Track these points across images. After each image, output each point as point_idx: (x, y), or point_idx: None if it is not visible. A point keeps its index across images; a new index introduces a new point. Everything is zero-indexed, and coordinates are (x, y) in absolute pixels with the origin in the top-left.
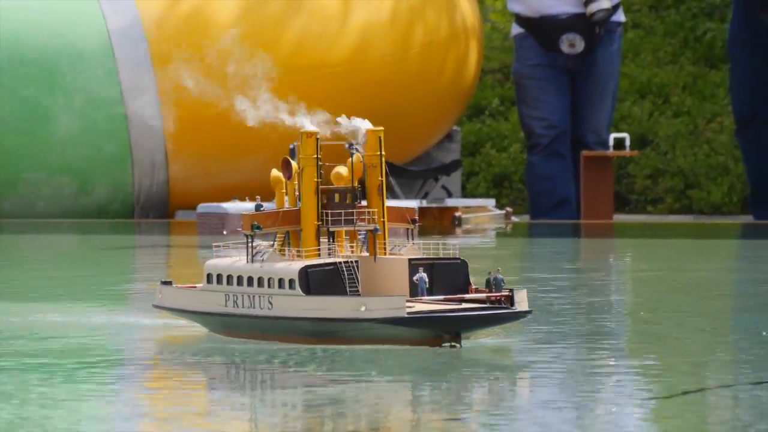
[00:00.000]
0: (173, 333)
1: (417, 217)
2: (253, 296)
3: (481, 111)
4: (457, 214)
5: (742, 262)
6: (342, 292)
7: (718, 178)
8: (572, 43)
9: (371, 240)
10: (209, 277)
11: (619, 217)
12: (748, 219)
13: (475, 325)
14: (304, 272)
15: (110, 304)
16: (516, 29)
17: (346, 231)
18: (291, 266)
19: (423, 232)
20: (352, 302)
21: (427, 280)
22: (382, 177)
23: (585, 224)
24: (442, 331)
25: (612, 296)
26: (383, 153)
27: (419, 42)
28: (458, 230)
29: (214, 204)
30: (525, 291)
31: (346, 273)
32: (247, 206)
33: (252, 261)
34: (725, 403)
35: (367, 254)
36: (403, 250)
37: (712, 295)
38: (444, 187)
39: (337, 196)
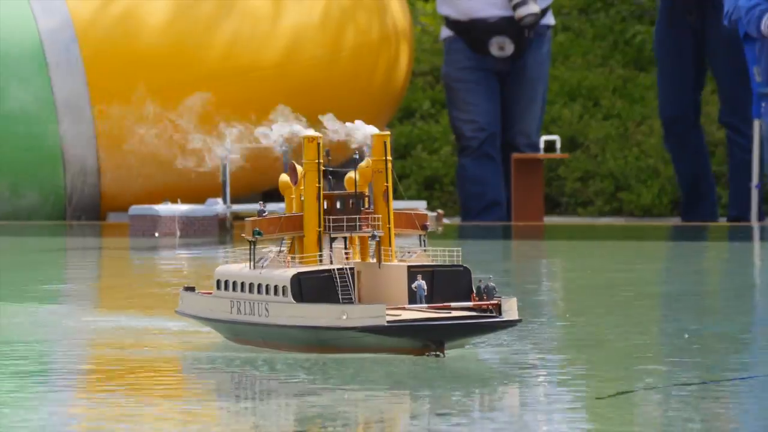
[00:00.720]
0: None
1: (429, 224)
2: (253, 303)
3: (411, 113)
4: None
5: (671, 262)
6: (335, 300)
7: (648, 180)
8: (502, 47)
9: (376, 246)
10: (218, 283)
11: (550, 219)
12: (678, 221)
13: (458, 335)
14: (296, 279)
15: (40, 303)
16: (445, 32)
17: (358, 238)
18: (285, 273)
19: None
20: (334, 310)
21: (425, 287)
22: (387, 182)
23: (516, 226)
24: (425, 340)
25: (541, 297)
26: (389, 158)
27: (350, 44)
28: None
29: (146, 206)
30: (514, 299)
31: (339, 280)
32: (179, 208)
33: (254, 267)
34: (651, 405)
35: (373, 261)
36: (413, 257)
37: (640, 296)
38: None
39: (340, 201)
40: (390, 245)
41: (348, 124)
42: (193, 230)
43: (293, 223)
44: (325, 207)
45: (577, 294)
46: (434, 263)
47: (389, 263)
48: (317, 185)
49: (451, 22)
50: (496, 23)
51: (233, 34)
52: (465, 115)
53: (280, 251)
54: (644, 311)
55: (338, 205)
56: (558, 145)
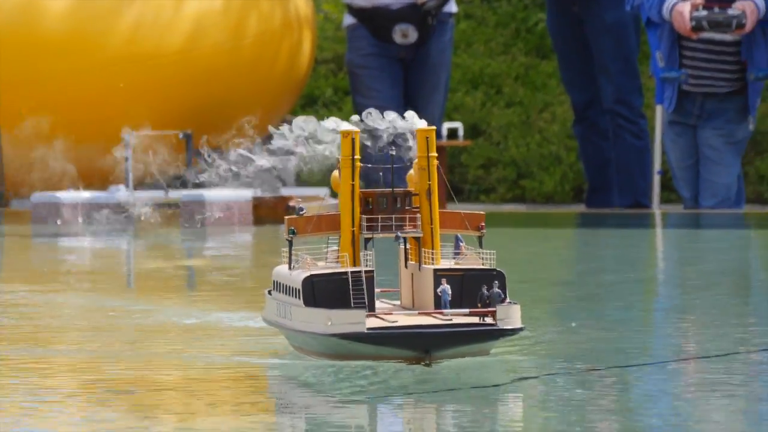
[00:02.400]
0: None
1: (484, 224)
2: (284, 305)
3: (314, 101)
4: (292, 203)
5: (574, 250)
6: (346, 304)
7: (551, 167)
8: (405, 34)
9: (414, 248)
10: (273, 284)
11: (453, 207)
12: (580, 208)
13: (442, 344)
14: (309, 282)
15: None
16: (348, 20)
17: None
18: (301, 275)
19: (258, 222)
20: (322, 316)
21: (450, 292)
22: (430, 180)
23: None
24: (410, 349)
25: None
26: (432, 154)
27: (253, 31)
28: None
29: (49, 193)
30: (517, 306)
31: (352, 284)
32: (83, 195)
33: (290, 268)
34: (531, 398)
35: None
36: (462, 259)
37: (542, 284)
38: (278, 177)
39: (384, 200)
40: (433, 247)
41: (390, 115)
42: (96, 217)
43: (329, 222)
44: (368, 205)
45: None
46: (466, 266)
47: (422, 266)
48: (351, 183)
49: (354, 10)
50: (399, 10)
51: (136, 21)
52: (369, 101)
53: (327, 251)
54: (544, 299)
55: (381, 204)
56: (461, 132)
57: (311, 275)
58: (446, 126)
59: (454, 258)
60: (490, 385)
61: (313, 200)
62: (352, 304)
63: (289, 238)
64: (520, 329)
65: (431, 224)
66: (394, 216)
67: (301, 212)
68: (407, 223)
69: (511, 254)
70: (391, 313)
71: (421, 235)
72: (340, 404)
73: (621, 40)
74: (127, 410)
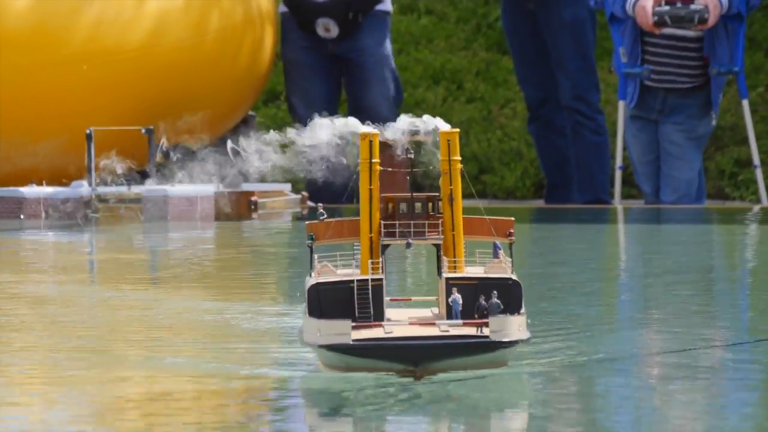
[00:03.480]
0: None
1: (513, 230)
2: (303, 313)
3: (276, 96)
4: (254, 198)
5: (535, 245)
6: (351, 314)
7: (511, 163)
8: (327, 28)
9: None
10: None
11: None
12: (541, 203)
13: (432, 357)
14: (315, 290)
15: None
16: (282, 7)
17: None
18: (310, 283)
19: (220, 218)
20: (315, 326)
21: (460, 302)
22: (452, 185)
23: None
24: (397, 361)
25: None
26: (455, 158)
27: (215, 27)
28: (255, 215)
29: (11, 188)
30: (517, 317)
31: (357, 293)
32: (45, 190)
33: (310, 275)
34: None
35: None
36: (490, 268)
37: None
38: (240, 172)
39: (405, 204)
40: (455, 255)
41: (425, 118)
42: (59, 213)
43: (350, 228)
44: (390, 211)
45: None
46: (480, 275)
47: (441, 274)
48: (369, 187)
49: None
50: (322, 4)
51: (97, 17)
52: (296, 98)
53: (355, 257)
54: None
55: (402, 209)
56: (422, 128)
57: (317, 283)
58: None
59: (487, 266)
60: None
61: (277, 195)
62: (357, 314)
63: (310, 244)
64: (516, 342)
65: (453, 230)
66: (412, 222)
67: (321, 217)
68: (427, 230)
69: (470, 246)
70: (393, 324)
71: (439, 242)
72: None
73: (579, 37)
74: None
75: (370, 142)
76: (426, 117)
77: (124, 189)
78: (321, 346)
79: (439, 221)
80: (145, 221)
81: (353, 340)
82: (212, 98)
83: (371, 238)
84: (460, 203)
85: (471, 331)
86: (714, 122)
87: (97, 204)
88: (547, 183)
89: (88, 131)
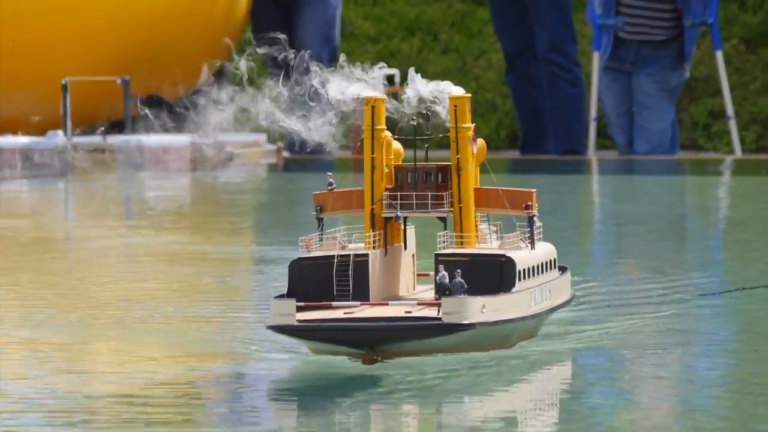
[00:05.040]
0: None
1: (532, 203)
2: None
3: (252, 46)
4: (229, 149)
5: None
6: (329, 294)
7: (486, 114)
8: None
9: (392, 228)
10: None
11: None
12: (515, 154)
13: (378, 340)
14: (296, 266)
15: None
16: None
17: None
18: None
19: (196, 168)
20: (280, 306)
21: (446, 280)
22: (458, 154)
23: (354, 159)
24: (342, 344)
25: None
26: (465, 125)
27: None
28: (231, 164)
29: None
30: (478, 300)
31: (336, 270)
32: (20, 140)
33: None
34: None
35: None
36: (506, 241)
37: None
38: (217, 123)
39: (411, 175)
40: (462, 229)
41: (430, 84)
42: (34, 162)
43: (359, 199)
44: (397, 181)
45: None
46: (472, 251)
47: (403, 248)
48: (372, 156)
49: None
50: None
51: None
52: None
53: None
54: None
55: (409, 179)
56: (397, 79)
57: (299, 258)
58: (383, 72)
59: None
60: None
61: (253, 146)
62: (335, 294)
63: (318, 216)
64: (472, 325)
65: (460, 203)
66: (415, 194)
67: (330, 187)
68: (432, 201)
69: None
70: (361, 306)
71: (443, 215)
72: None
73: None
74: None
75: (373, 107)
76: (443, 84)
77: (99, 139)
78: (268, 327)
79: (447, 193)
80: (121, 170)
81: (298, 321)
82: (187, 48)
83: (373, 210)
84: (470, 174)
85: (433, 313)
86: (687, 74)
87: (73, 153)
88: (522, 134)
89: (63, 81)
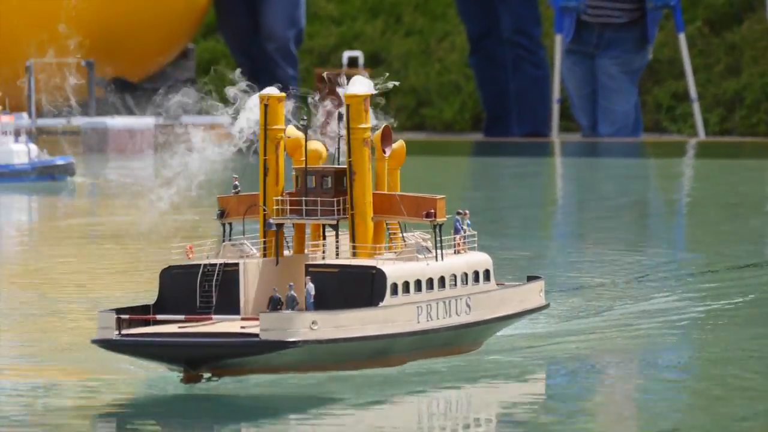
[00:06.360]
0: None
1: (435, 210)
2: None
3: (215, 29)
4: (192, 131)
5: (474, 178)
6: (192, 305)
7: (450, 96)
8: None
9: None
10: None
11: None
12: (479, 137)
13: (199, 357)
14: (168, 273)
15: None
16: None
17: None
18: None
19: (163, 150)
20: (103, 319)
21: (313, 292)
22: (350, 157)
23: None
24: (160, 360)
25: None
26: (360, 126)
27: None
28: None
29: None
30: (305, 316)
31: (200, 282)
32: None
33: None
34: None
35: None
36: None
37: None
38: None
39: (311, 178)
40: (355, 237)
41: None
42: None
43: (247, 205)
44: (298, 185)
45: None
46: (341, 263)
47: (249, 261)
48: (264, 157)
49: None
50: None
51: None
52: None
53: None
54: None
55: (309, 183)
56: (361, 61)
57: (170, 266)
58: (347, 55)
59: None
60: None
61: (216, 129)
62: (198, 305)
63: (221, 221)
64: (293, 343)
65: (353, 209)
66: (305, 199)
67: (235, 190)
68: (321, 208)
69: (412, 182)
70: (210, 321)
71: (331, 222)
72: None
73: None
74: None
75: (266, 105)
76: (357, 77)
77: (63, 121)
78: (92, 341)
79: (341, 198)
80: (84, 152)
81: (122, 336)
82: (151, 30)
83: (265, 216)
84: (365, 179)
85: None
86: (650, 56)
87: (36, 135)
88: (486, 116)
89: (28, 63)
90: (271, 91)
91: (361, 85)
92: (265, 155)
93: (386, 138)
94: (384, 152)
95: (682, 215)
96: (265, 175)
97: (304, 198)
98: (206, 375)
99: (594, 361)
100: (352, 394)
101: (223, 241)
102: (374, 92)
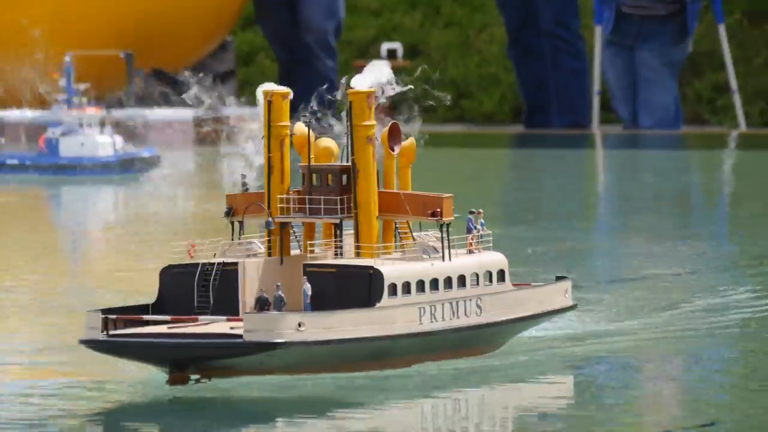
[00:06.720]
0: None
1: (440, 210)
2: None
3: (254, 21)
4: (232, 123)
5: (514, 171)
6: (190, 304)
7: (490, 88)
8: None
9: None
10: None
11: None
12: (519, 128)
13: (183, 358)
14: (168, 272)
15: None
16: None
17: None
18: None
19: (203, 143)
20: (90, 319)
21: (309, 292)
22: (353, 154)
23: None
24: (146, 361)
25: None
26: (365, 123)
27: None
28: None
29: None
30: (290, 317)
31: (198, 281)
32: (27, 115)
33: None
34: None
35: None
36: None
37: (489, 206)
38: (219, 97)
39: (317, 176)
40: (359, 237)
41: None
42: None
43: (251, 203)
44: (305, 183)
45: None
46: (340, 262)
47: (248, 261)
48: (268, 154)
49: None
50: None
51: None
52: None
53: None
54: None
55: (315, 181)
56: (400, 53)
57: (170, 265)
58: (385, 46)
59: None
60: None
61: (254, 120)
62: (196, 305)
63: (230, 220)
64: (277, 344)
65: (356, 208)
66: (308, 197)
67: (245, 188)
68: (324, 206)
69: (451, 175)
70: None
71: (335, 221)
72: None
73: None
74: None
75: (270, 102)
76: (376, 62)
77: (104, 113)
78: (80, 341)
79: (345, 197)
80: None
81: (109, 336)
82: (189, 22)
83: (269, 214)
84: (370, 177)
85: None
86: (689, 48)
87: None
88: (526, 107)
89: (67, 56)
90: (300, 127)
91: (362, 81)
92: (269, 152)
93: (394, 135)
94: (392, 150)
95: (724, 207)
96: (269, 172)
97: (307, 196)
98: (194, 377)
99: (628, 360)
100: (350, 396)
101: (232, 239)
102: (392, 86)
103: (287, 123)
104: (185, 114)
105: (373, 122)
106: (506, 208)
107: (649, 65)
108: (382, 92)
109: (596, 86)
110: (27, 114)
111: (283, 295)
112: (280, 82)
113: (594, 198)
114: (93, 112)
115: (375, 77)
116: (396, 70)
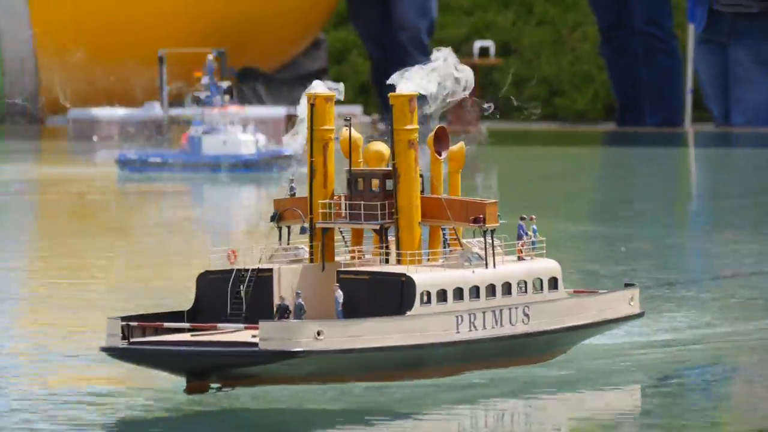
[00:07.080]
0: None
1: (483, 216)
2: None
3: (347, 19)
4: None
5: (607, 168)
6: (223, 310)
7: (582, 86)
8: None
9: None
10: None
11: (485, 124)
12: (611, 126)
13: (199, 367)
14: (204, 278)
15: None
16: None
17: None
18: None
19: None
20: (111, 326)
21: (341, 300)
22: (394, 159)
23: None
24: (164, 369)
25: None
26: (402, 127)
27: None
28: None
29: (85, 110)
30: (309, 325)
31: (231, 288)
32: (119, 112)
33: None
34: None
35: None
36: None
37: (578, 203)
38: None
39: (362, 181)
40: (401, 243)
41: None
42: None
43: (298, 207)
44: (351, 187)
45: (523, 200)
46: (374, 269)
47: (287, 267)
48: (311, 159)
49: None
50: None
51: None
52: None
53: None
54: (593, 219)
55: (357, 186)
56: (492, 51)
57: (207, 271)
58: (478, 44)
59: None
60: None
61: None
62: (229, 311)
63: (276, 225)
64: (294, 353)
65: (397, 214)
66: (349, 203)
67: (292, 192)
68: (365, 212)
69: (541, 170)
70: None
71: (375, 227)
72: None
73: None
74: None
75: (312, 105)
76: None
77: (193, 111)
78: (101, 349)
79: (387, 202)
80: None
81: (130, 343)
82: (282, 20)
83: (311, 219)
84: (412, 182)
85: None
86: None
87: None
88: (618, 105)
89: (160, 53)
90: (320, 89)
91: (404, 84)
92: (312, 157)
93: (441, 140)
94: (439, 155)
95: None
96: (312, 177)
97: (348, 201)
98: (215, 385)
99: (686, 371)
100: (385, 405)
101: (279, 244)
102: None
103: (331, 127)
104: (278, 112)
105: (416, 126)
106: (598, 206)
107: (742, 63)
108: (443, 98)
109: (689, 84)
110: (118, 112)
111: (303, 302)
112: (373, 81)
113: (686, 196)
114: (235, 110)
115: (418, 83)
116: (488, 68)
